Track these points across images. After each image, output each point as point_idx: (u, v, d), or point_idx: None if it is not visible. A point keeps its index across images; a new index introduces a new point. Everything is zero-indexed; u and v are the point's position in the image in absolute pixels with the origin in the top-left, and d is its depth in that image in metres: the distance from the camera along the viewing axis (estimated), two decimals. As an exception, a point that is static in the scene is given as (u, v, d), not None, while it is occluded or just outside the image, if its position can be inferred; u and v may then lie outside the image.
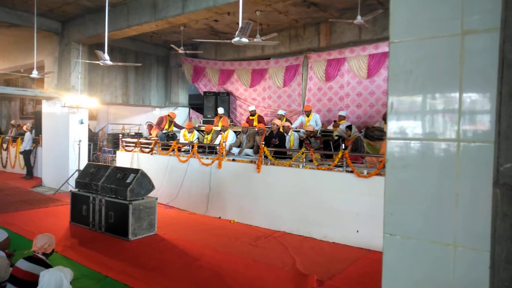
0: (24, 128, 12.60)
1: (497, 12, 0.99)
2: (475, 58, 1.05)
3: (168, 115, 10.25)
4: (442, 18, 1.11)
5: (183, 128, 9.98)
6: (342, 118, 8.65)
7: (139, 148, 9.53)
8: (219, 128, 9.40)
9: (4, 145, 13.76)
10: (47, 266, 3.34)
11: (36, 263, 3.32)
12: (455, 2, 1.08)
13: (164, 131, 9.93)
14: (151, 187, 6.42)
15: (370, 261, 5.28)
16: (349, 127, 7.49)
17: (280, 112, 9.49)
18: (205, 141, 9.19)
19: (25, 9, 9.02)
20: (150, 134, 10.41)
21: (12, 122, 14.99)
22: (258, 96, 11.25)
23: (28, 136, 12.00)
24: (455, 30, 1.08)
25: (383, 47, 8.72)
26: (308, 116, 9.07)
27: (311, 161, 6.71)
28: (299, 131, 8.65)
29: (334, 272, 4.85)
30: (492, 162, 0.99)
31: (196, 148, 8.31)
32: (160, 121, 10.20)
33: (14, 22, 9.27)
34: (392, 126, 1.20)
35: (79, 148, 9.74)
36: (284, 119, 9.22)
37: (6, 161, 13.63)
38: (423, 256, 1.14)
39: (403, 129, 1.19)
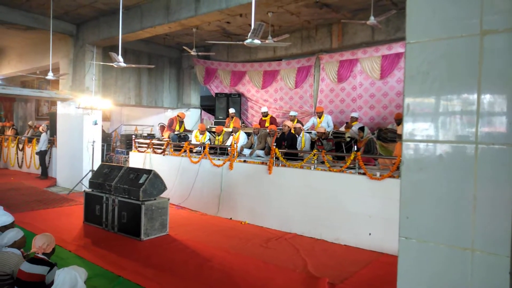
0: (40, 129, 12.82)
1: (517, 11, 0.97)
2: (495, 58, 1.03)
3: (178, 116, 10.32)
4: (460, 18, 1.09)
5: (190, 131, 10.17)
6: (354, 119, 8.58)
7: (151, 149, 9.62)
8: (230, 129, 9.42)
9: (20, 146, 14.04)
10: (50, 264, 3.35)
11: (37, 263, 3.34)
12: (473, 2, 1.06)
13: (176, 132, 10.00)
14: (163, 187, 6.46)
15: (383, 264, 5.22)
16: (361, 129, 7.42)
17: (292, 113, 9.47)
18: (216, 142, 9.23)
19: (41, 12, 9.19)
20: (162, 136, 10.49)
21: (30, 123, 15.29)
22: (270, 98, 11.25)
23: (43, 137, 12.22)
24: (474, 30, 1.06)
25: (396, 48, 8.63)
26: (320, 118, 9.02)
27: (322, 162, 6.67)
28: (310, 132, 8.61)
29: (346, 275, 4.81)
30: (511, 164, 0.97)
31: (208, 149, 8.35)
32: (171, 122, 10.28)
33: (30, 25, 9.46)
34: (408, 128, 1.19)
35: (93, 148, 9.87)
36: (296, 121, 9.19)
37: (22, 161, 13.90)
38: (440, 260, 1.12)
39: (419, 131, 1.17)
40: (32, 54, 12.18)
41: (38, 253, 3.46)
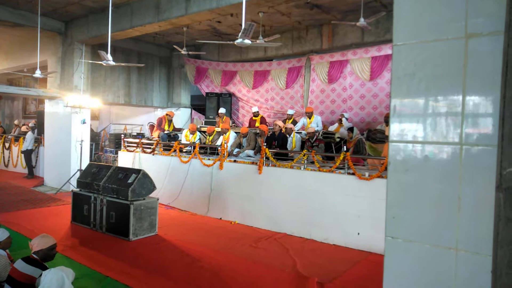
0: (24, 128, 12.59)
1: (501, 15, 0.99)
2: (479, 61, 1.05)
3: (167, 114, 10.25)
4: (446, 21, 1.11)
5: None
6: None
7: (141, 149, 9.55)
8: (220, 129, 9.41)
9: (6, 144, 13.80)
10: (43, 267, 3.30)
11: (32, 264, 3.28)
12: (459, 5, 1.08)
13: (166, 132, 9.95)
14: (152, 187, 6.42)
15: (371, 263, 5.27)
16: (351, 129, 7.48)
17: (290, 111, 9.54)
18: (207, 142, 9.20)
19: (29, 9, 9.05)
20: (152, 135, 10.42)
21: (16, 122, 15.04)
22: (261, 98, 11.26)
23: (29, 135, 12.03)
24: (459, 33, 1.08)
25: (385, 50, 8.71)
26: (309, 118, 9.07)
27: (312, 163, 6.71)
28: (301, 132, 8.65)
29: (334, 275, 4.84)
30: (495, 166, 0.98)
31: (198, 149, 8.32)
32: (160, 122, 10.22)
33: (17, 22, 9.30)
34: (395, 129, 1.20)
35: (81, 148, 9.76)
36: (292, 119, 9.27)
37: (8, 160, 13.67)
38: (425, 259, 1.14)
39: (405, 132, 1.18)
40: (19, 51, 11.98)
41: (33, 253, 3.41)
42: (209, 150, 8.72)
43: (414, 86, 1.16)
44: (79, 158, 9.74)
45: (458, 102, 1.09)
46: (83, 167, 8.41)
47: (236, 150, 8.28)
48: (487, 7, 1.03)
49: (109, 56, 7.06)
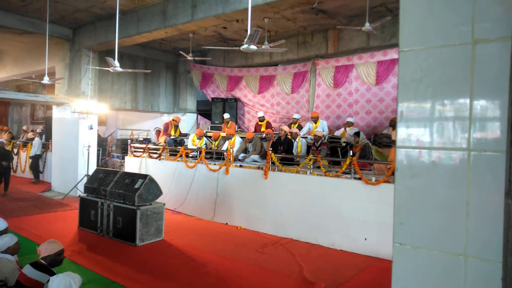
0: (31, 134, 12.69)
1: (508, 20, 0.99)
2: (486, 66, 1.05)
3: (173, 120, 10.30)
4: (452, 27, 1.11)
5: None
6: (350, 124, 8.63)
7: (147, 154, 9.59)
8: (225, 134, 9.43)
9: (15, 150, 13.94)
10: (50, 273, 3.32)
11: (39, 269, 3.30)
12: (465, 11, 1.08)
13: (172, 137, 9.99)
14: (159, 192, 6.44)
15: (378, 269, 5.22)
16: (357, 134, 7.45)
17: (296, 116, 9.55)
18: (212, 147, 9.22)
19: (37, 16, 9.18)
20: (158, 140, 10.47)
21: (24, 127, 15.20)
22: (266, 103, 11.27)
23: (37, 141, 12.14)
24: (466, 39, 1.08)
25: (391, 54, 8.69)
26: (315, 123, 9.05)
27: (318, 167, 6.68)
28: (306, 137, 8.64)
29: (341, 280, 4.80)
30: (503, 171, 0.98)
31: (204, 154, 8.34)
32: (166, 127, 10.27)
33: (26, 29, 9.44)
34: (402, 134, 1.20)
35: (88, 153, 9.83)
36: (298, 123, 9.26)
37: (17, 165, 13.80)
38: (433, 266, 1.13)
39: (413, 137, 1.18)
40: (28, 58, 12.14)
41: (41, 258, 3.44)
42: (215, 155, 8.74)
43: (421, 92, 1.16)
44: (86, 163, 9.81)
45: (466, 108, 1.08)
46: (90, 173, 8.46)
47: (242, 155, 8.28)
48: (494, 13, 1.03)
49: (116, 63, 7.13)
